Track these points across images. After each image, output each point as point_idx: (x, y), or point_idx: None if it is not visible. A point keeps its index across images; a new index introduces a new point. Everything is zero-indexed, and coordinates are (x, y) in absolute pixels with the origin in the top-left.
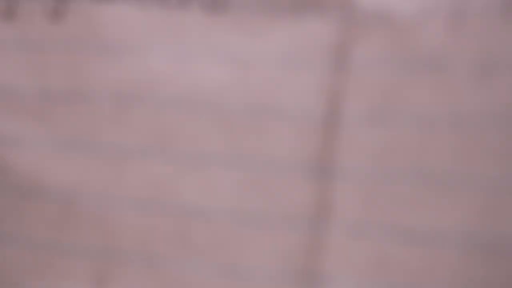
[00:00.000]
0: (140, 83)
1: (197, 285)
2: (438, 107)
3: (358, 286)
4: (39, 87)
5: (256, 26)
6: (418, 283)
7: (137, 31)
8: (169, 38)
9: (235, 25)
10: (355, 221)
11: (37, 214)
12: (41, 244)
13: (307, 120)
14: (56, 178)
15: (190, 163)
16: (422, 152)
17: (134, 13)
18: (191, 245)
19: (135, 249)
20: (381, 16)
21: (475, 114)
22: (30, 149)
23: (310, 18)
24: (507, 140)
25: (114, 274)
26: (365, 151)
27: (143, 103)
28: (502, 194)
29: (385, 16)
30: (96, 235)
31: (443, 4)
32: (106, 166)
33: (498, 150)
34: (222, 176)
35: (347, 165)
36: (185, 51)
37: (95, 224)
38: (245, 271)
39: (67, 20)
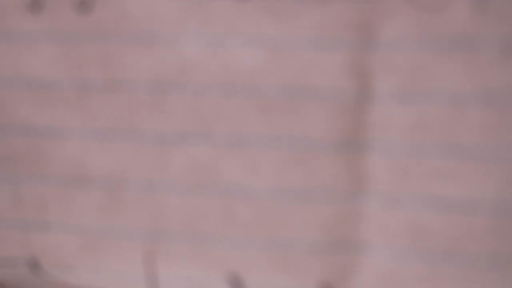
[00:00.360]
0: (175, 70)
1: (242, 260)
2: (466, 83)
3: (395, 253)
4: (75, 78)
5: (284, 8)
6: (452, 249)
7: (167, 18)
8: (200, 24)
9: (263, 8)
10: (390, 192)
11: (83, 200)
12: (90, 229)
13: (340, 98)
14: (99, 165)
15: (230, 145)
16: (452, 126)
17: (161, 1)
18: (235, 223)
19: (181, 229)
20: None
21: (503, 90)
22: (71, 139)
23: None
24: None
25: (161, 254)
26: (397, 126)
27: (180, 89)
28: None
29: None
30: (143, 217)
31: None
32: (148, 152)
33: None
34: (262, 155)
35: (380, 140)
36: (217, 36)
37: (141, 207)
38: (286, 243)
39: (95, 10)
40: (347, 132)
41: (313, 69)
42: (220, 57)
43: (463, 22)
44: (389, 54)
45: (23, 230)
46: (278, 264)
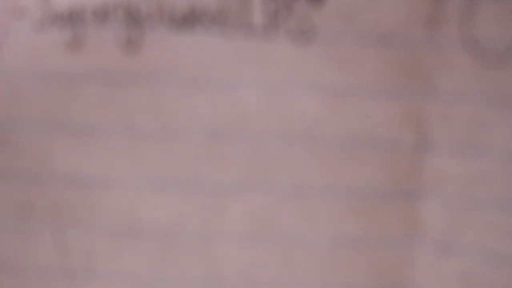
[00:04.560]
0: (232, 117)
1: None
2: None
3: None
4: (123, 124)
5: (345, 54)
6: None
7: (223, 62)
8: (258, 70)
9: (324, 54)
10: (443, 240)
11: (135, 250)
12: (142, 278)
13: (397, 147)
14: (153, 216)
15: (288, 194)
16: (507, 182)
17: (217, 43)
18: (293, 271)
19: (238, 278)
20: (468, 48)
21: None
22: (121, 189)
23: (398, 47)
24: None
25: None
26: (452, 178)
27: (237, 137)
28: None
29: (472, 49)
30: (199, 267)
31: None
32: (205, 202)
33: None
34: (320, 205)
35: (435, 190)
36: (276, 82)
37: (197, 257)
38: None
39: (143, 50)
40: (404, 181)
41: (372, 118)
42: (279, 105)
43: None
44: (448, 106)
45: (68, 279)
46: None
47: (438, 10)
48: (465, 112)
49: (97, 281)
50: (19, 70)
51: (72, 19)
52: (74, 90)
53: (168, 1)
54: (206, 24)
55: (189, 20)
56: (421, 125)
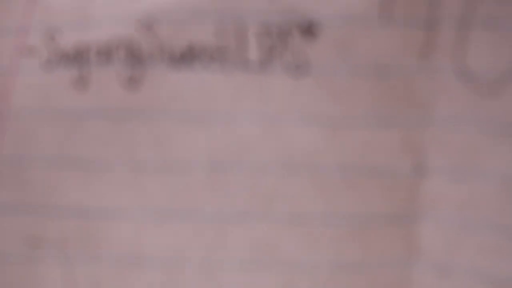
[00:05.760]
0: (232, 149)
1: None
2: None
3: None
4: (127, 158)
5: (340, 85)
6: None
7: (221, 96)
8: (255, 103)
9: (319, 86)
10: (440, 263)
11: (140, 280)
12: None
13: (395, 174)
14: (156, 245)
15: (288, 222)
16: (502, 206)
17: (215, 78)
18: None
19: None
20: (461, 77)
21: None
22: (125, 220)
23: (392, 76)
24: None
25: None
26: (448, 202)
27: (236, 168)
28: None
29: (465, 78)
30: None
31: None
32: (206, 231)
33: None
34: (320, 232)
35: (432, 214)
36: (273, 115)
37: (199, 285)
38: None
39: (144, 87)
40: (401, 206)
41: (369, 147)
42: (277, 136)
43: None
44: (443, 133)
45: None
46: None
47: (431, 40)
48: (460, 139)
49: None
50: (27, 107)
51: (77, 58)
52: (79, 126)
53: (167, 40)
54: (205, 61)
55: (188, 57)
56: (417, 152)
